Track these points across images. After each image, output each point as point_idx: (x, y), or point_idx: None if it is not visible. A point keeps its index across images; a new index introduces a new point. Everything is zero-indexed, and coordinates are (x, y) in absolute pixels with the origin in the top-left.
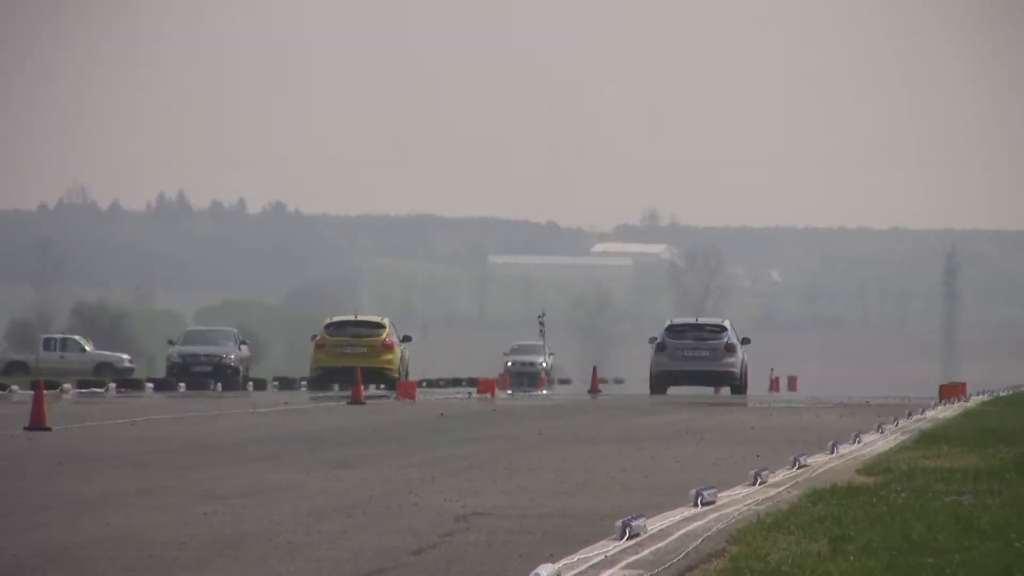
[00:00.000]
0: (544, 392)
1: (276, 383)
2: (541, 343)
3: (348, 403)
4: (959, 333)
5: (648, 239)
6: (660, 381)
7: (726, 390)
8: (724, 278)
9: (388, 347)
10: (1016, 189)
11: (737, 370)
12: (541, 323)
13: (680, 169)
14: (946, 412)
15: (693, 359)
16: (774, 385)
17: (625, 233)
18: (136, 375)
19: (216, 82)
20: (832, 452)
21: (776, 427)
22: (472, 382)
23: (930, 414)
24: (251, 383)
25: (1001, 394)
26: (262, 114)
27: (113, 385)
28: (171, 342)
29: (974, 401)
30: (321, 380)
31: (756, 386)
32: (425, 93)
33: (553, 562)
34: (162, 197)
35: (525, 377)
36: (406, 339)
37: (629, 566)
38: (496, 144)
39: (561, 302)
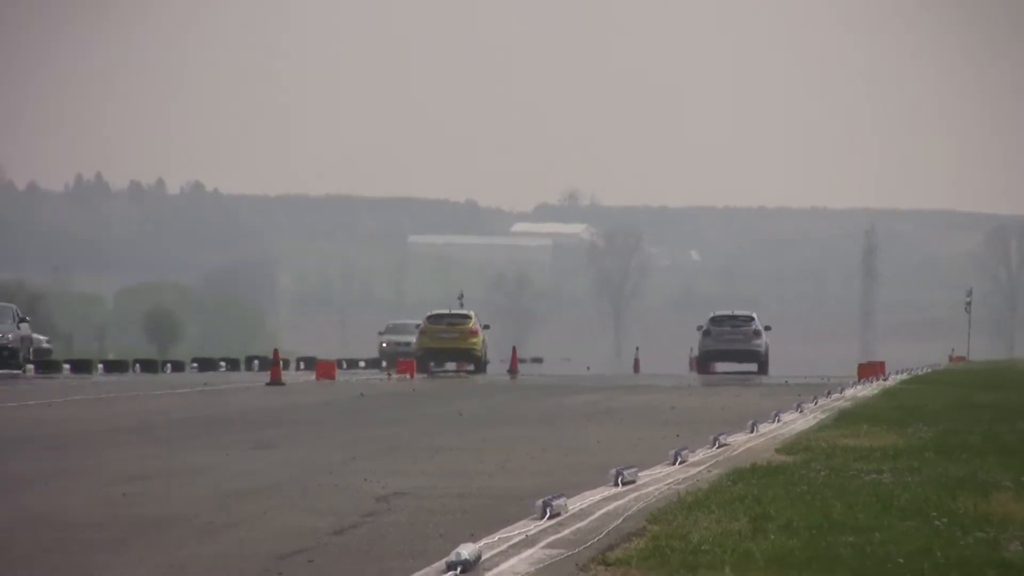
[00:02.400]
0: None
1: (195, 365)
2: (419, 323)
3: (267, 384)
4: (877, 312)
5: (568, 219)
6: (705, 359)
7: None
8: (643, 258)
9: (474, 333)
10: (934, 169)
11: (762, 350)
12: (460, 304)
13: (600, 149)
14: (865, 391)
15: (729, 341)
16: (693, 365)
17: (545, 213)
18: (54, 357)
19: (134, 61)
20: (752, 431)
21: (696, 407)
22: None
23: (849, 393)
24: (32, 366)
25: (919, 373)
26: (181, 93)
27: (31, 366)
28: None
29: (892, 380)
30: (424, 359)
31: (676, 366)
32: (344, 73)
33: (474, 541)
34: (80, 177)
35: (401, 357)
36: (485, 327)
37: (549, 545)
38: (416, 124)
39: (480, 282)
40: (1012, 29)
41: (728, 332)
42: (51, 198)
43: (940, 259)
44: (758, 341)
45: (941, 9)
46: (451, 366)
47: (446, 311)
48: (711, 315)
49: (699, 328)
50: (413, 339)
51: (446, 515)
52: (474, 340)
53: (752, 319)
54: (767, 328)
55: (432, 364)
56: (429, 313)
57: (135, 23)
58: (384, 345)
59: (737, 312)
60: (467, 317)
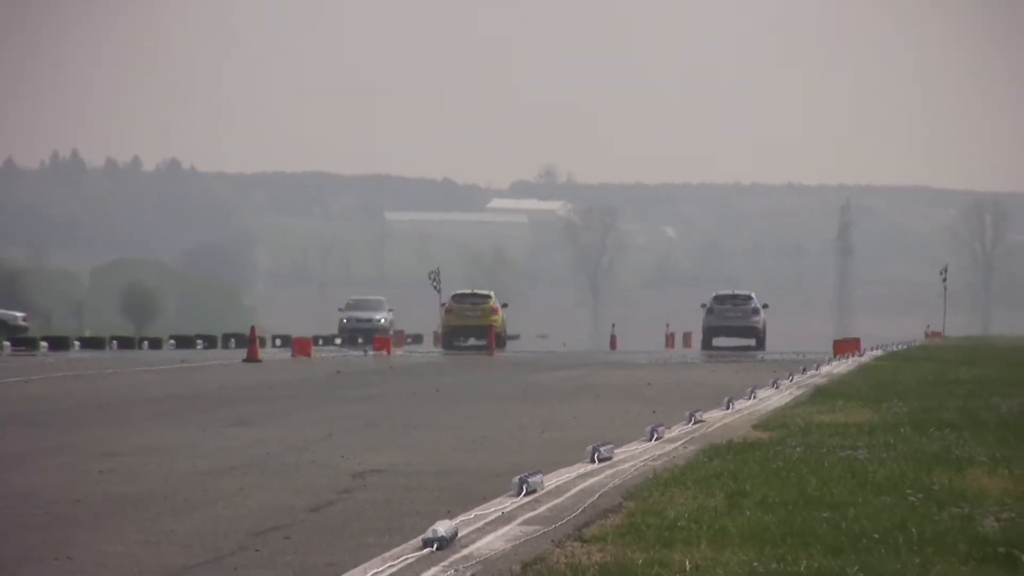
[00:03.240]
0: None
1: (172, 342)
2: (382, 298)
3: (244, 360)
4: (853, 288)
5: (544, 196)
6: (709, 334)
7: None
8: (620, 235)
9: (495, 311)
10: (909, 145)
11: (760, 326)
12: (433, 280)
13: (576, 126)
14: (840, 367)
15: (731, 318)
16: (669, 341)
17: (521, 190)
18: (31, 334)
19: (109, 37)
20: (728, 408)
21: (672, 383)
22: (368, 339)
23: (825, 369)
24: (9, 343)
25: (894, 349)
26: (156, 70)
27: (8, 344)
28: None
29: (868, 356)
30: (450, 336)
31: (652, 342)
32: (319, 50)
33: (450, 518)
34: (56, 155)
35: (362, 334)
36: (504, 306)
37: (526, 522)
38: (392, 101)
39: (458, 259)
40: (985, 7)
41: (730, 310)
42: (27, 175)
43: (916, 235)
44: (756, 318)
45: None
46: (416, 346)
47: (469, 291)
48: (714, 295)
49: (703, 306)
50: (375, 315)
51: (423, 492)
52: (495, 317)
53: (751, 298)
54: (765, 306)
55: (457, 340)
56: (454, 293)
57: (107, 2)
58: (344, 321)
59: (737, 292)
60: (488, 297)
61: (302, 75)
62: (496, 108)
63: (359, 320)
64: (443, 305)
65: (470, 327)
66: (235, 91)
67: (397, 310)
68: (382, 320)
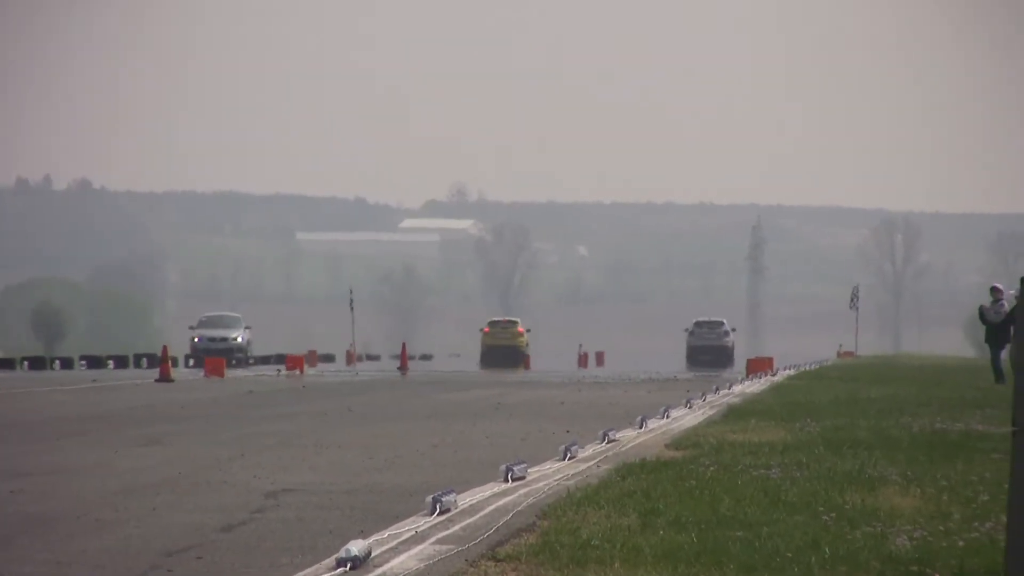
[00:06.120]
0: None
1: (84, 362)
2: (238, 315)
3: (156, 380)
4: (765, 307)
5: (456, 215)
6: (691, 352)
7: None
8: (531, 253)
9: (520, 334)
10: (819, 165)
11: (730, 345)
12: (351, 301)
13: (487, 145)
14: (753, 387)
15: (707, 339)
16: (582, 361)
17: (433, 209)
18: None
19: (19, 54)
20: (641, 427)
21: (585, 402)
22: (280, 359)
23: (738, 389)
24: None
25: (807, 368)
26: (67, 88)
27: None
28: None
29: (781, 375)
30: (487, 355)
31: (565, 361)
32: (232, 70)
33: (363, 538)
34: None
35: (214, 354)
36: (528, 330)
37: (439, 541)
38: (303, 121)
39: (369, 278)
40: (899, 28)
41: (707, 332)
42: None
43: (827, 254)
44: (727, 339)
45: (822, 6)
46: (341, 366)
47: (501, 318)
48: (694, 321)
49: (686, 330)
50: (229, 333)
51: (335, 511)
52: (521, 339)
53: (723, 323)
54: (733, 330)
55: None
56: (489, 320)
57: (20, 20)
58: (196, 340)
59: (712, 319)
60: (516, 322)
61: (213, 94)
62: (408, 128)
63: (211, 339)
64: (482, 329)
65: (502, 346)
66: (146, 110)
67: (308, 328)
68: (238, 339)
